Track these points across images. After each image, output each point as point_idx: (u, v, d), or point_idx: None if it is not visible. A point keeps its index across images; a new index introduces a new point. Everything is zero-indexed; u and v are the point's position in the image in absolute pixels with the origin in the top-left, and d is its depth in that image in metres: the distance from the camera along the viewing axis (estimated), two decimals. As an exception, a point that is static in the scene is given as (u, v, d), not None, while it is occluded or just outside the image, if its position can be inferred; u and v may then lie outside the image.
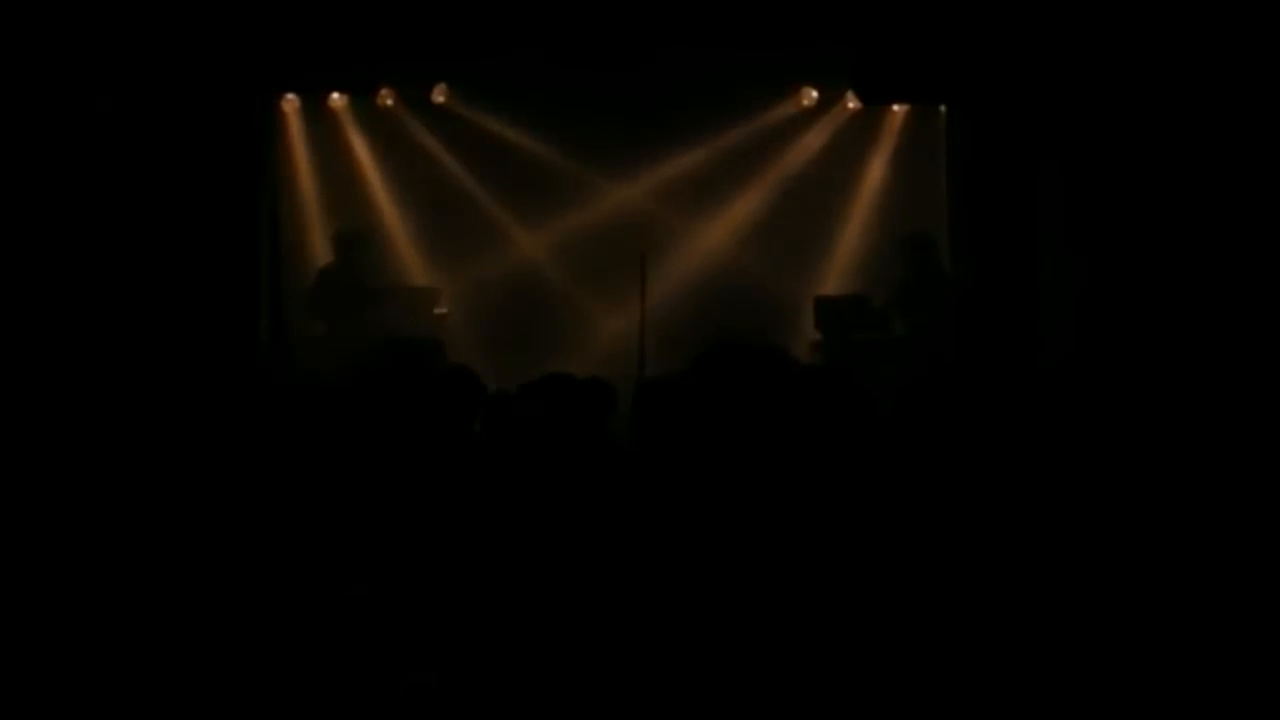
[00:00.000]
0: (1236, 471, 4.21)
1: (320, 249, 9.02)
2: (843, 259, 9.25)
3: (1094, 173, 7.86)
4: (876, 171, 9.20)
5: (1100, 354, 7.60)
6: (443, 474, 3.40)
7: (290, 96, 8.95)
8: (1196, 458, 4.58)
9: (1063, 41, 7.83)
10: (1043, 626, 2.99)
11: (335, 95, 9.10)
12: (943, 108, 8.71)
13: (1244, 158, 7.44)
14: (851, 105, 9.11)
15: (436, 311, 8.67)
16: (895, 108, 9.15)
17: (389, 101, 9.12)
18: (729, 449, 3.23)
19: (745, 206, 9.33)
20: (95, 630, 3.06)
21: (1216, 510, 3.70)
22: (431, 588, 2.98)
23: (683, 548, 2.97)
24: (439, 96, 9.10)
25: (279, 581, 3.11)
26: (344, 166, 9.27)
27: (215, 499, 3.65)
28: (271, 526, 3.39)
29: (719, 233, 9.38)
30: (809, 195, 9.26)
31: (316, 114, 9.19)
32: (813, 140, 9.26)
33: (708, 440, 3.28)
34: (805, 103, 9.16)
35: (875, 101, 8.93)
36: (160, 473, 4.15)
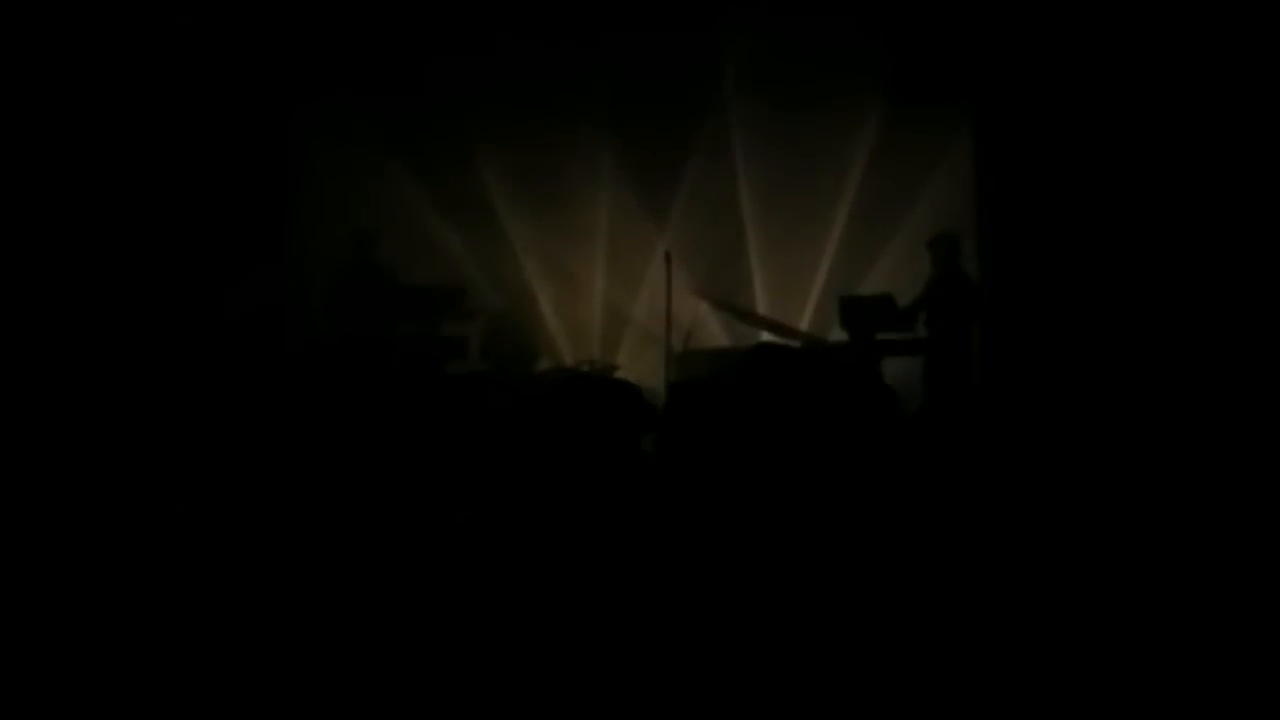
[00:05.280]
0: (1261, 475, 4.21)
1: (339, 249, 8.98)
2: (868, 258, 9.25)
3: (1119, 176, 7.87)
4: (905, 172, 9.18)
5: (1123, 356, 7.60)
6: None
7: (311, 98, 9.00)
8: (1223, 459, 4.58)
9: (1090, 44, 7.83)
10: (1059, 622, 3.01)
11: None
12: (972, 109, 8.70)
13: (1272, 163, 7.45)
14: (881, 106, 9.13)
15: (464, 311, 8.69)
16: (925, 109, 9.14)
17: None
18: (765, 451, 3.24)
19: (773, 208, 9.36)
20: (125, 627, 3.09)
21: (1239, 512, 3.71)
22: (462, 592, 3.00)
23: (711, 551, 2.99)
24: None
25: (309, 582, 3.14)
26: (364, 167, 9.28)
27: (241, 499, 3.68)
28: (289, 528, 3.41)
29: (744, 231, 9.43)
30: (837, 194, 9.27)
31: (337, 115, 9.21)
32: (840, 141, 9.26)
33: (744, 442, 3.30)
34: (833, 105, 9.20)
35: (905, 102, 8.92)
36: (187, 473, 4.19)
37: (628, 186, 9.34)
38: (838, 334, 8.54)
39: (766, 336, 8.55)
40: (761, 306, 9.26)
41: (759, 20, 8.83)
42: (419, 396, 7.03)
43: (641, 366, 8.62)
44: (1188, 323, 7.51)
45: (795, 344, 8.07)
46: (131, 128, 7.82)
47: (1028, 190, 8.16)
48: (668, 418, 3.45)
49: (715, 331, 9.21)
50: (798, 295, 9.29)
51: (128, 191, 7.80)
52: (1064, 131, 8.02)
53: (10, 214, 7.45)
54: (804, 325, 9.07)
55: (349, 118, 9.08)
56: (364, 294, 8.48)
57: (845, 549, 2.98)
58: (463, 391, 7.42)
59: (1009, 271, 8.29)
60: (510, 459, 3.27)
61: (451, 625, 2.91)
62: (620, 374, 8.19)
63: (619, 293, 9.49)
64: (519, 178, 9.34)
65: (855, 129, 9.15)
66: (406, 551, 3.09)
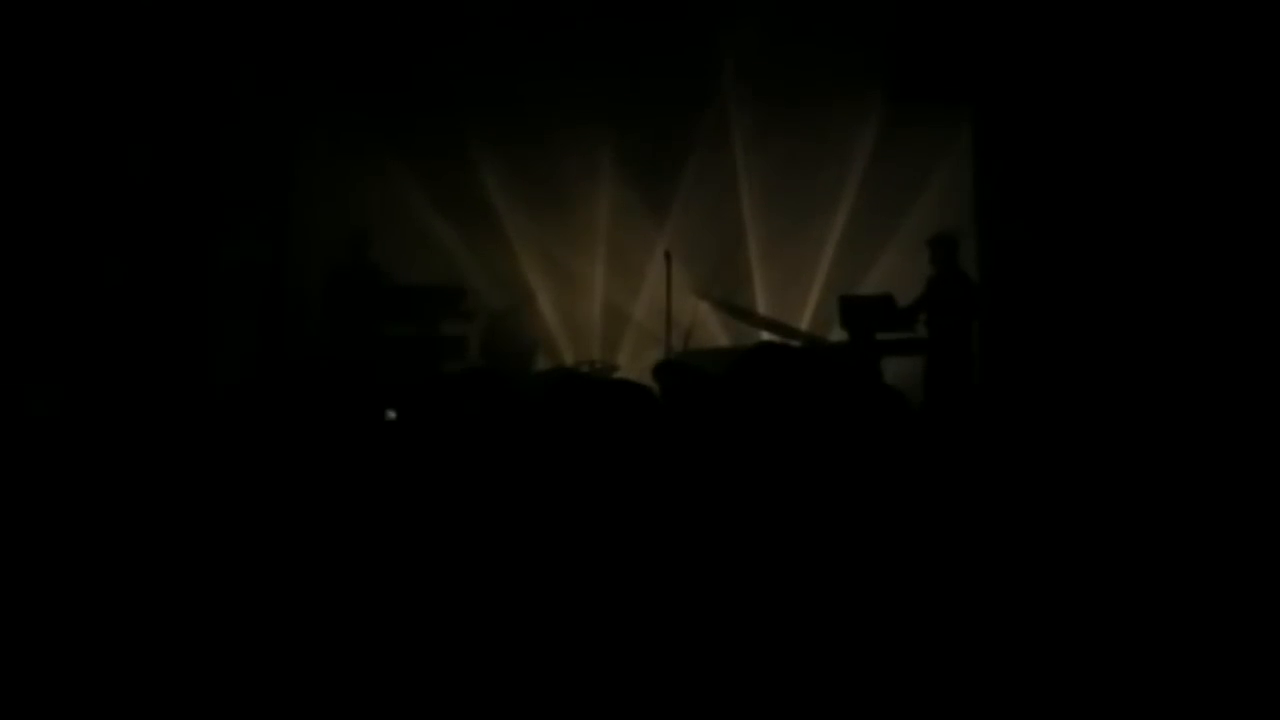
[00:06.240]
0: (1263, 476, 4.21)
1: (337, 249, 8.93)
2: (868, 258, 9.24)
3: (1119, 175, 7.86)
4: (905, 171, 9.15)
5: (1123, 355, 7.59)
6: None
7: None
8: (1223, 458, 4.57)
9: (1090, 44, 7.82)
10: (1060, 622, 3.00)
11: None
12: (972, 108, 8.68)
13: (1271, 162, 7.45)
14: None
15: (464, 311, 8.67)
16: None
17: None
18: (766, 451, 3.24)
19: (773, 207, 9.35)
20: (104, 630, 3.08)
21: (1239, 511, 3.71)
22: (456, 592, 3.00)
23: (713, 550, 2.99)
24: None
25: (303, 584, 3.13)
26: (363, 166, 9.22)
27: (239, 499, 3.67)
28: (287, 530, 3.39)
29: (745, 231, 9.42)
30: (837, 194, 9.26)
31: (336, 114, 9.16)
32: (840, 139, 9.24)
33: (744, 442, 3.29)
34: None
35: (904, 101, 8.89)
36: (184, 474, 4.18)
37: (627, 184, 9.34)
38: (838, 334, 8.54)
39: (766, 336, 8.55)
40: (761, 306, 9.26)
41: (759, 18, 8.82)
42: (418, 396, 7.01)
43: (641, 366, 8.61)
44: (1188, 322, 7.50)
45: (795, 344, 8.07)
46: (129, 127, 7.81)
47: (1028, 190, 8.14)
48: (662, 399, 3.46)
49: (715, 331, 9.21)
50: (798, 295, 9.29)
51: (124, 191, 7.79)
52: (1064, 131, 8.00)
53: (8, 214, 7.44)
54: (804, 325, 9.07)
55: (348, 117, 9.06)
56: (360, 294, 8.46)
57: (846, 548, 2.98)
58: (462, 389, 7.39)
59: (1009, 271, 8.27)
60: (515, 460, 3.25)
61: (454, 626, 2.91)
62: (620, 374, 8.19)
63: (619, 292, 9.49)
64: (518, 176, 9.33)
65: (855, 128, 9.14)
66: (409, 553, 3.08)
